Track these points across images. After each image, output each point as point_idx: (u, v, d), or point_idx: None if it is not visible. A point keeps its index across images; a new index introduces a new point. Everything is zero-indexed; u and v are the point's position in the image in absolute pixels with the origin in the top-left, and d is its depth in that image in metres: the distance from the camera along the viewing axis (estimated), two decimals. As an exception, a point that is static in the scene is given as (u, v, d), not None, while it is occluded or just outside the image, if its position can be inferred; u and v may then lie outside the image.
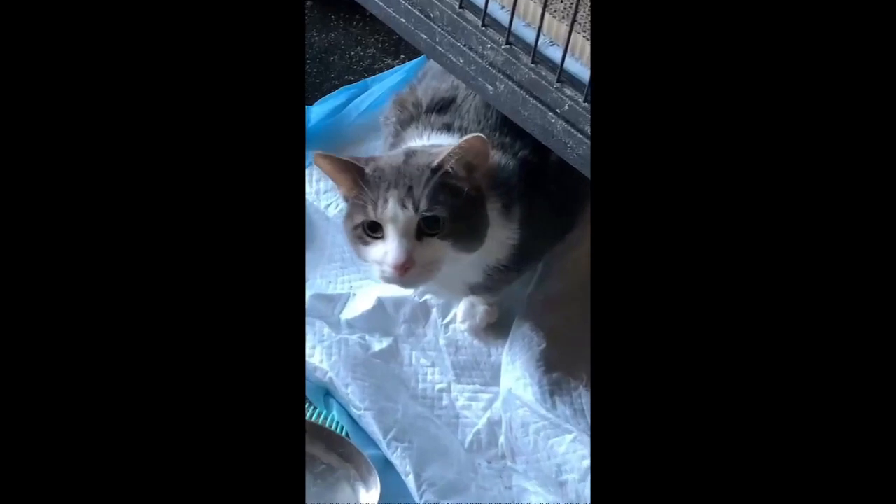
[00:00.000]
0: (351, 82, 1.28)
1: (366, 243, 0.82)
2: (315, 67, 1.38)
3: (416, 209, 0.78)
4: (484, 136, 0.79)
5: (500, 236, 0.87)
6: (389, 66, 1.38)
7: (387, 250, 0.79)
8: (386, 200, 0.78)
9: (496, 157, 0.87)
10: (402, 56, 1.40)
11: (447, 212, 0.79)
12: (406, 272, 0.78)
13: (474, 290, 0.92)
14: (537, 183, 0.88)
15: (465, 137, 0.78)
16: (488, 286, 0.92)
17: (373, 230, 0.81)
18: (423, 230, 0.79)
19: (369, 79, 1.27)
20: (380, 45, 1.43)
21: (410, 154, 0.84)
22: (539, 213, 0.90)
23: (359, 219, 0.81)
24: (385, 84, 1.22)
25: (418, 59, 1.25)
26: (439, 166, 0.79)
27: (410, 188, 0.78)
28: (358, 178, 0.81)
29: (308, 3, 1.45)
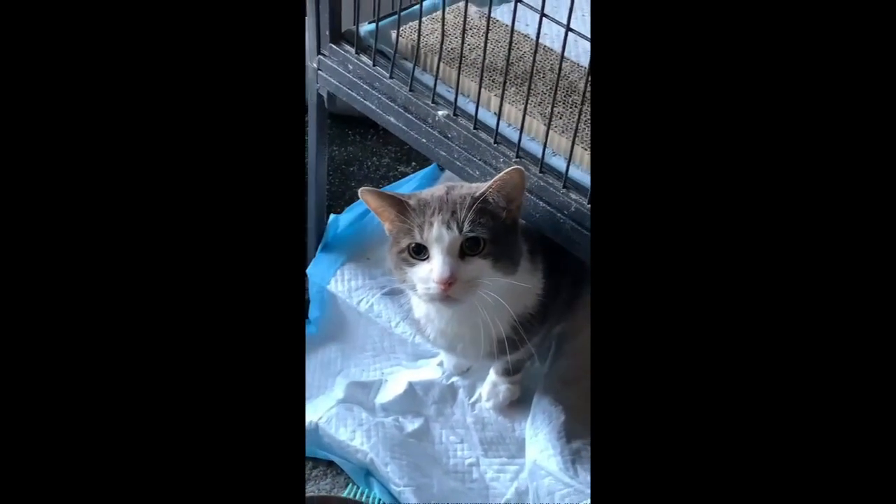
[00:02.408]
0: (370, 190, 1.35)
1: (411, 265, 0.84)
2: (337, 178, 1.46)
3: (460, 230, 0.81)
4: (522, 169, 0.82)
5: (528, 282, 0.90)
6: (403, 173, 1.47)
7: (432, 268, 0.81)
8: (431, 224, 0.82)
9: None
10: (414, 163, 1.49)
11: (487, 234, 0.82)
12: (450, 287, 0.81)
13: (499, 349, 0.92)
14: (555, 247, 0.92)
15: (506, 170, 0.81)
16: (513, 340, 0.92)
17: (418, 252, 0.84)
18: (465, 251, 0.82)
19: (387, 186, 1.34)
20: (393, 155, 1.52)
21: (451, 188, 0.87)
22: (559, 272, 0.94)
23: (405, 243, 0.84)
24: (402, 191, 1.29)
25: (430, 167, 1.33)
26: (481, 195, 0.82)
27: (454, 212, 0.82)
28: (402, 209, 0.85)
29: (327, 122, 1.54)
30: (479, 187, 0.84)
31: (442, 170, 1.27)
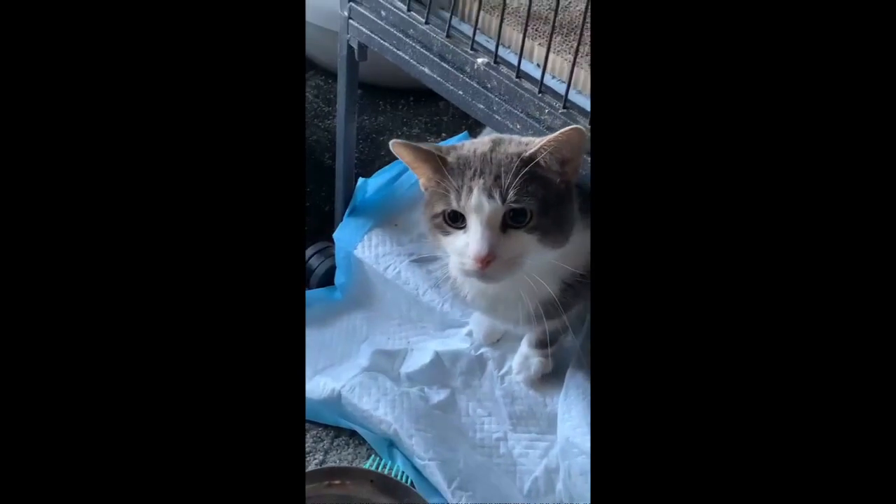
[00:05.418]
0: (400, 158, 1.26)
1: (446, 233, 0.72)
2: (367, 147, 1.37)
3: (504, 200, 0.67)
4: (583, 129, 0.67)
5: (579, 241, 0.74)
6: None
7: (469, 241, 0.69)
8: (470, 189, 0.68)
9: None
10: (444, 134, 1.39)
11: (536, 205, 0.68)
12: (487, 266, 0.68)
13: (544, 309, 0.78)
14: None
15: (563, 129, 0.67)
16: (563, 302, 0.78)
17: (454, 220, 0.71)
18: (508, 223, 0.69)
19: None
20: (423, 126, 1.42)
21: (498, 142, 0.72)
22: None
23: (439, 208, 0.71)
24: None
25: (459, 135, 1.23)
26: (531, 157, 0.68)
27: (498, 178, 0.67)
28: (439, 167, 0.71)
29: (359, 92, 1.45)
30: (530, 145, 0.70)
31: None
